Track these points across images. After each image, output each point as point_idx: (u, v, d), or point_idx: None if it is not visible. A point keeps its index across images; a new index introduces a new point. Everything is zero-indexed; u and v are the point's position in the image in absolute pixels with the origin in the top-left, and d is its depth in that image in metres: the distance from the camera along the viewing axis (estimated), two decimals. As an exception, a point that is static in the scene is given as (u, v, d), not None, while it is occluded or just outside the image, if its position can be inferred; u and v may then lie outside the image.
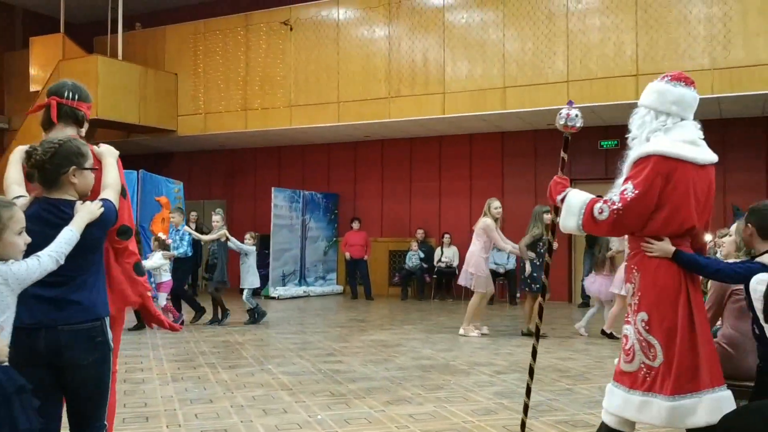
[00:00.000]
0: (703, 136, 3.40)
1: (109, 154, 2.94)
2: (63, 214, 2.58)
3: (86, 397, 2.66)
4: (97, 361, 2.65)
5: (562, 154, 3.79)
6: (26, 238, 2.41)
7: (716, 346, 3.75)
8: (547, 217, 7.58)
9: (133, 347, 7.43)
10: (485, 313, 9.16)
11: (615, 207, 3.23)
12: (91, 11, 15.47)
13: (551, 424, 4.61)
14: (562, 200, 3.44)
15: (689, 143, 3.31)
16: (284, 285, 13.73)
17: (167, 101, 14.12)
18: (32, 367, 2.47)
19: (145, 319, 3.36)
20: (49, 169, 2.60)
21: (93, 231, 2.60)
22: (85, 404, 2.67)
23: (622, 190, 3.26)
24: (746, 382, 3.63)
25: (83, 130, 3.14)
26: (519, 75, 11.20)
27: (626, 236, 3.51)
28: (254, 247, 9.83)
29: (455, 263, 13.49)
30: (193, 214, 13.19)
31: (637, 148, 3.34)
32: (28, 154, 2.62)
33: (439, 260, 13.51)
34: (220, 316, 9.54)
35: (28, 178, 2.76)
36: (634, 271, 3.35)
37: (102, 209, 2.64)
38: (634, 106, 3.56)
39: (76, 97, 3.08)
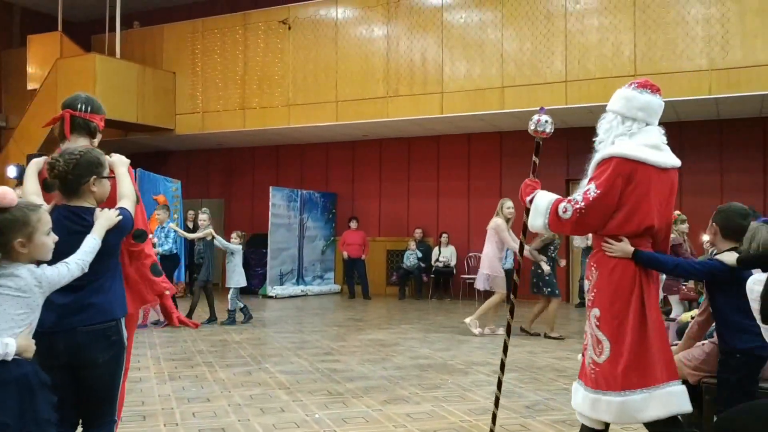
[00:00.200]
0: (666, 141, 3.53)
1: (120, 163, 3.07)
2: (83, 221, 2.74)
3: (100, 394, 2.78)
4: (112, 359, 2.79)
5: (534, 158, 3.93)
6: (54, 237, 2.53)
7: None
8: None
9: (130, 346, 7.41)
10: (494, 313, 9.11)
11: (578, 206, 3.37)
12: (89, 9, 15.46)
13: (548, 423, 4.61)
14: (531, 201, 3.60)
15: (652, 147, 3.44)
16: (282, 284, 13.73)
17: (165, 100, 14.10)
18: (50, 370, 2.54)
19: (165, 316, 3.45)
20: (71, 179, 2.74)
21: (110, 238, 2.75)
22: (98, 400, 2.79)
23: (585, 190, 3.39)
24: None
25: (96, 141, 3.25)
26: (517, 75, 11.21)
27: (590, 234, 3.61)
28: (240, 246, 9.77)
29: (453, 263, 13.51)
30: (191, 213, 13.20)
31: (602, 151, 3.48)
32: (51, 165, 2.75)
33: (437, 260, 13.52)
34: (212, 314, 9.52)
35: (47, 188, 2.90)
36: (593, 268, 3.48)
37: (120, 217, 2.79)
38: None
39: (89, 109, 3.22)
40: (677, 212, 7.95)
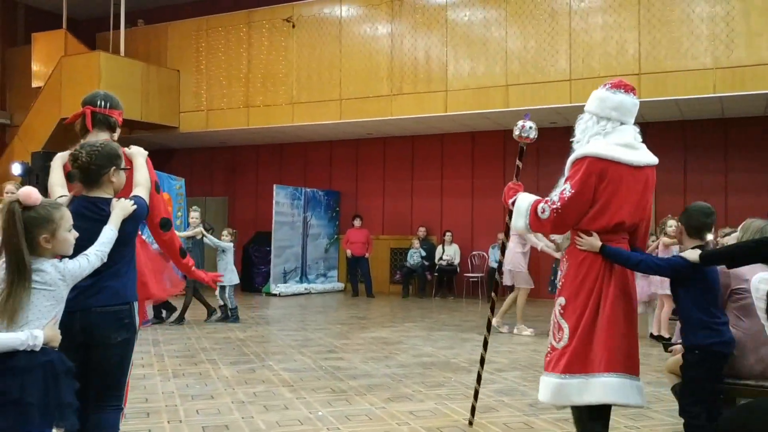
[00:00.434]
0: (641, 140, 3.64)
1: (139, 154, 3.26)
2: (101, 211, 2.90)
3: (110, 376, 2.95)
4: (124, 341, 2.96)
5: (517, 162, 4.12)
6: (75, 234, 2.68)
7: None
8: None
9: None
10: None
11: (555, 206, 3.53)
12: (93, 7, 15.48)
13: (551, 421, 4.61)
14: (513, 204, 3.77)
15: (624, 146, 3.55)
16: (285, 282, 13.75)
17: (169, 98, 14.12)
18: (67, 351, 2.67)
19: (197, 278, 3.83)
20: (93, 169, 2.92)
21: (127, 226, 2.92)
22: (108, 382, 2.95)
23: (561, 190, 3.55)
24: (747, 380, 3.64)
25: (116, 135, 3.43)
26: (521, 73, 11.19)
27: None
28: (232, 244, 9.73)
29: (456, 261, 13.51)
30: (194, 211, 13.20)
31: (576, 151, 3.61)
32: (74, 157, 2.92)
33: (441, 258, 13.51)
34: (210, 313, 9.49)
35: (70, 179, 3.11)
36: (564, 260, 3.67)
37: (135, 206, 2.95)
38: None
39: (108, 105, 3.38)
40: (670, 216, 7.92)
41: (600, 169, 3.47)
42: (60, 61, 13.52)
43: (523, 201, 3.72)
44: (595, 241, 3.50)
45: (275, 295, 13.28)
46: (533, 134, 4.09)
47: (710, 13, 9.93)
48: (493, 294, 4.63)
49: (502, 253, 4.65)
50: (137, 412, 4.69)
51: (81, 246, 2.72)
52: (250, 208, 16.09)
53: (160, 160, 15.62)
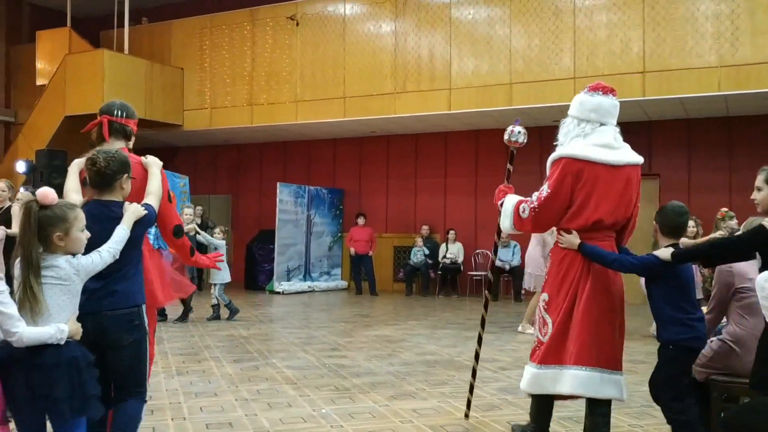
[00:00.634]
0: (620, 139, 3.78)
1: (154, 164, 3.44)
2: (113, 213, 3.07)
3: (127, 372, 3.10)
4: (135, 342, 3.11)
5: (508, 165, 4.31)
6: (87, 234, 2.86)
7: (721, 343, 3.78)
8: None
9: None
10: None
11: (533, 206, 3.75)
12: (97, 5, 15.49)
13: (555, 420, 4.60)
14: (501, 205, 4.00)
15: (603, 146, 3.69)
16: (289, 280, 13.75)
17: (173, 96, 14.13)
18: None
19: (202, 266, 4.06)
20: (109, 174, 3.08)
21: (136, 230, 3.08)
22: (126, 378, 3.10)
23: (540, 190, 3.74)
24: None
25: (131, 143, 3.60)
26: (525, 71, 11.18)
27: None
28: (224, 242, 9.72)
29: (460, 259, 13.50)
30: (199, 209, 13.22)
31: (554, 153, 3.79)
32: (92, 160, 3.08)
33: (444, 256, 13.51)
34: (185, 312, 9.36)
35: (85, 183, 3.24)
36: (549, 257, 3.93)
37: (145, 211, 3.14)
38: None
39: (124, 114, 3.55)
40: (725, 209, 7.85)
41: (576, 169, 3.62)
42: (64, 59, 13.54)
43: (509, 202, 3.93)
44: (574, 239, 3.65)
45: (279, 293, 13.29)
46: (521, 138, 4.26)
47: (715, 11, 9.89)
48: (486, 291, 4.80)
49: (494, 252, 4.79)
50: (141, 410, 4.70)
51: (93, 246, 2.88)
52: (253, 206, 16.10)
53: (163, 158, 15.40)
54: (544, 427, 3.96)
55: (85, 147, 3.52)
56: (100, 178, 3.08)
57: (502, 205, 3.99)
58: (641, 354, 6.84)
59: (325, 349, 7.24)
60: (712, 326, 3.94)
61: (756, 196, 3.41)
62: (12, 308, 2.61)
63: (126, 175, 3.14)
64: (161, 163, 3.50)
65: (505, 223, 3.96)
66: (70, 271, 2.77)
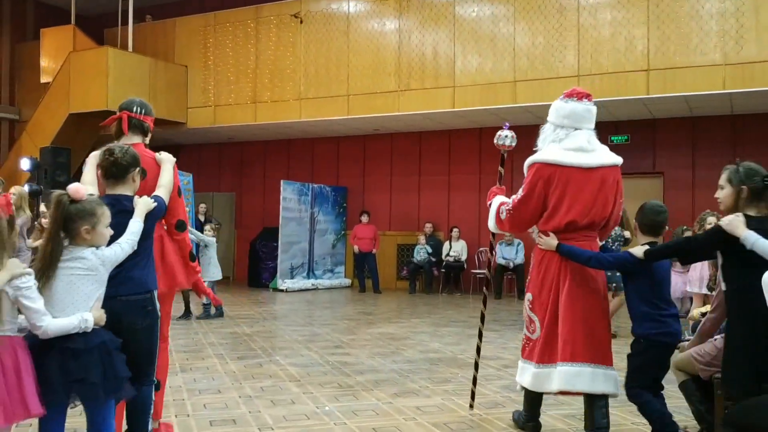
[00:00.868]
0: (595, 142, 3.89)
1: (168, 160, 3.61)
2: (124, 207, 3.20)
3: (140, 355, 3.21)
4: (148, 326, 3.25)
5: (500, 168, 4.48)
6: (110, 231, 3.01)
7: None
8: None
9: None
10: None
11: (508, 208, 3.97)
12: (101, 3, 15.52)
13: (558, 417, 4.61)
14: (490, 206, 4.21)
15: (576, 150, 3.82)
16: (292, 278, 13.77)
17: (177, 93, 14.14)
18: None
19: (196, 291, 4.10)
20: (124, 165, 3.23)
21: (147, 221, 3.23)
22: (139, 361, 3.19)
23: (517, 194, 3.93)
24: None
25: (147, 139, 3.75)
26: (529, 69, 11.16)
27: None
28: (214, 239, 9.70)
29: (464, 257, 13.50)
30: (202, 206, 13.24)
31: (529, 158, 3.95)
32: (110, 151, 3.22)
33: (448, 254, 13.51)
34: (185, 310, 9.37)
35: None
36: (531, 257, 4.09)
37: (155, 203, 3.29)
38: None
39: (143, 111, 3.69)
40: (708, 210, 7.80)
41: (547, 174, 3.79)
42: (68, 57, 13.56)
43: (495, 203, 4.16)
44: (551, 241, 3.82)
45: (282, 290, 13.31)
46: (509, 142, 4.45)
47: (720, 8, 9.87)
48: (484, 289, 4.99)
49: (490, 251, 4.95)
50: (145, 406, 4.70)
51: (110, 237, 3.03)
52: (257, 204, 16.12)
53: (167, 155, 15.67)
54: (535, 414, 4.15)
55: (89, 145, 3.59)
56: (116, 168, 3.22)
57: (490, 206, 4.21)
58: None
59: (328, 347, 7.24)
60: (715, 325, 3.93)
61: (719, 194, 3.54)
62: (39, 303, 2.72)
63: (138, 168, 3.27)
64: (174, 160, 3.64)
65: (491, 223, 4.20)
66: (96, 262, 2.93)
